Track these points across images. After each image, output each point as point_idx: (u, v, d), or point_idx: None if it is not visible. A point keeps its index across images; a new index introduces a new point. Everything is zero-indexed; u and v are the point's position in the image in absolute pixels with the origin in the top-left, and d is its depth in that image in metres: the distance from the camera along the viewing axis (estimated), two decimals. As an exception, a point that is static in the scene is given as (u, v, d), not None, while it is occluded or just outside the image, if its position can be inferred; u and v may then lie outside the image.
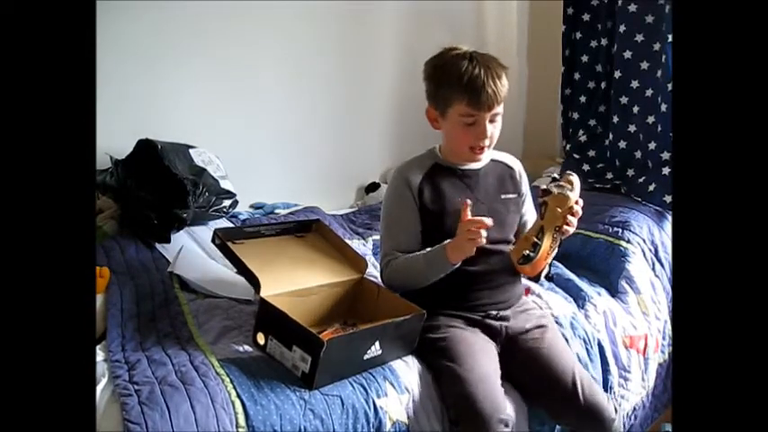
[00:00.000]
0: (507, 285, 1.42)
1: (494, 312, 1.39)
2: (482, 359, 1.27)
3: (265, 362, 1.22)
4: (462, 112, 1.31)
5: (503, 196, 1.43)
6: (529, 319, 1.40)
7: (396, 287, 1.39)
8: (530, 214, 1.50)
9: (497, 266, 1.38)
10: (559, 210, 1.27)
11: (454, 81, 1.30)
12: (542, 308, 1.54)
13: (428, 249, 1.33)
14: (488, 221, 1.23)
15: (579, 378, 1.28)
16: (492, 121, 1.33)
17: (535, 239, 1.28)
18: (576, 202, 1.29)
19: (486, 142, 1.34)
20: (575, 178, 1.31)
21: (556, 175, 1.37)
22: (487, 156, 1.45)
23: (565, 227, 1.29)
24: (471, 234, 1.23)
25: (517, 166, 1.50)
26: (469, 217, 1.24)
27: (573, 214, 1.28)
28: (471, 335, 1.33)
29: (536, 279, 1.31)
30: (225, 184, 1.92)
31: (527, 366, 1.32)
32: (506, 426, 1.20)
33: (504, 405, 1.22)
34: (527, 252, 1.28)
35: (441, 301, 1.36)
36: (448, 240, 1.30)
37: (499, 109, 1.33)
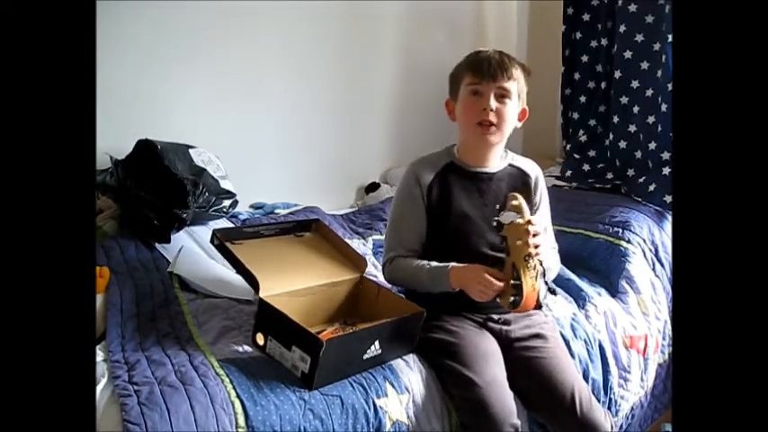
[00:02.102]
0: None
1: (495, 316, 1.38)
2: (491, 362, 1.27)
3: (265, 362, 1.22)
4: (468, 82, 1.35)
5: None
6: (531, 326, 1.40)
7: (393, 284, 1.41)
8: (543, 223, 1.47)
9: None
10: (519, 240, 1.21)
11: (465, 61, 1.38)
12: (544, 312, 1.53)
13: (434, 265, 1.33)
14: (498, 286, 1.23)
15: (578, 393, 1.27)
16: (499, 97, 1.33)
17: (513, 281, 1.21)
18: (529, 222, 1.22)
19: (493, 118, 1.33)
20: (518, 201, 1.24)
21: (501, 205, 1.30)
22: (505, 159, 1.45)
23: (532, 251, 1.21)
24: (481, 287, 1.24)
25: (535, 173, 1.47)
26: (491, 278, 1.24)
27: (533, 235, 1.21)
28: (479, 336, 1.33)
29: (538, 307, 1.28)
30: (225, 184, 1.92)
31: (527, 376, 1.31)
32: (516, 431, 1.20)
33: (514, 410, 1.22)
34: (512, 298, 1.22)
35: (443, 303, 1.35)
36: (453, 264, 1.30)
37: (508, 86, 1.33)
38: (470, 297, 1.30)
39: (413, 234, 1.39)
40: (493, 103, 1.32)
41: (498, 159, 1.43)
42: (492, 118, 1.33)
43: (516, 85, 1.35)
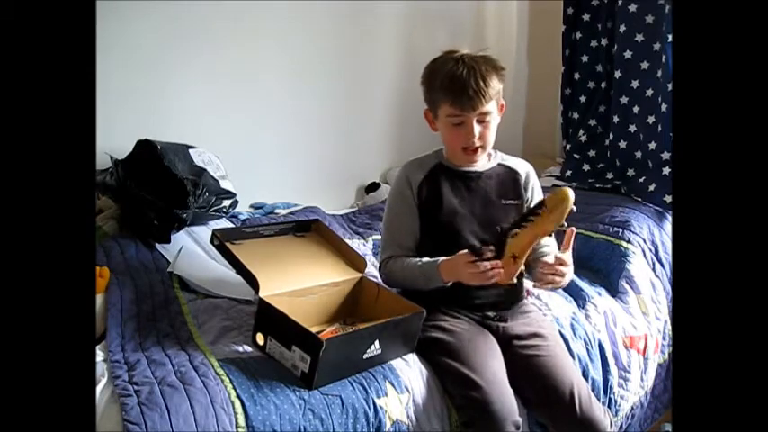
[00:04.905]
0: (506, 286, 1.42)
1: (491, 314, 1.39)
2: (491, 360, 1.28)
3: (265, 362, 1.22)
4: (448, 113, 1.33)
5: (503, 201, 1.42)
6: (529, 324, 1.40)
7: (393, 286, 1.41)
8: None
9: None
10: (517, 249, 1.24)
11: (440, 82, 1.32)
12: (543, 311, 1.54)
13: (425, 261, 1.34)
14: (497, 272, 1.23)
15: (577, 390, 1.27)
16: (481, 121, 1.33)
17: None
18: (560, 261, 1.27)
19: (477, 143, 1.34)
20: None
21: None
22: (494, 159, 1.46)
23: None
24: (477, 274, 1.23)
25: (525, 171, 1.48)
26: (486, 262, 1.23)
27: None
28: (477, 334, 1.33)
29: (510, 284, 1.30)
30: (225, 184, 1.92)
31: (526, 374, 1.31)
32: (518, 428, 1.20)
33: (516, 408, 1.22)
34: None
35: (440, 301, 1.36)
36: (442, 258, 1.30)
37: (488, 108, 1.32)
38: (465, 290, 1.31)
39: (406, 234, 1.40)
40: (476, 130, 1.33)
41: (485, 160, 1.45)
42: (476, 143, 1.34)
43: (494, 100, 1.33)
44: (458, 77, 1.29)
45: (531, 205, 1.42)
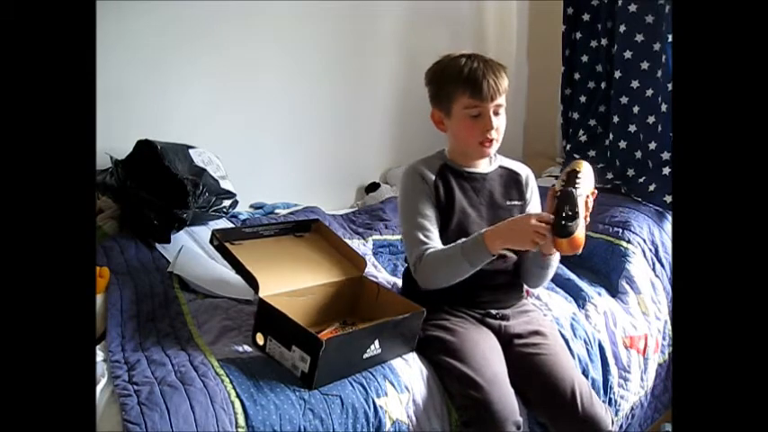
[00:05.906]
0: (507, 286, 1.42)
1: (494, 312, 1.39)
2: (492, 359, 1.27)
3: (265, 362, 1.22)
4: (466, 105, 1.33)
5: (508, 202, 1.44)
6: (529, 322, 1.40)
7: (431, 283, 1.34)
8: None
9: (499, 268, 1.39)
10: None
11: (455, 76, 1.33)
12: (542, 311, 1.54)
13: (464, 240, 1.30)
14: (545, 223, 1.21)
15: (578, 389, 1.27)
16: (496, 113, 1.35)
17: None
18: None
19: (494, 134, 1.35)
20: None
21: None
22: (495, 162, 1.46)
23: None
24: (535, 232, 1.20)
25: (525, 173, 1.50)
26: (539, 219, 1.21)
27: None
28: (478, 333, 1.33)
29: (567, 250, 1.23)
30: (225, 185, 1.92)
31: (526, 373, 1.31)
32: (519, 428, 1.20)
33: (516, 407, 1.22)
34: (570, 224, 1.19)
35: (442, 299, 1.35)
36: (486, 229, 1.28)
37: (502, 101, 1.34)
38: (468, 290, 1.31)
39: (432, 224, 1.36)
40: (494, 122, 1.34)
41: (487, 163, 1.46)
42: (493, 135, 1.35)
43: (505, 95, 1.36)
44: (475, 69, 1.32)
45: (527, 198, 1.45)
